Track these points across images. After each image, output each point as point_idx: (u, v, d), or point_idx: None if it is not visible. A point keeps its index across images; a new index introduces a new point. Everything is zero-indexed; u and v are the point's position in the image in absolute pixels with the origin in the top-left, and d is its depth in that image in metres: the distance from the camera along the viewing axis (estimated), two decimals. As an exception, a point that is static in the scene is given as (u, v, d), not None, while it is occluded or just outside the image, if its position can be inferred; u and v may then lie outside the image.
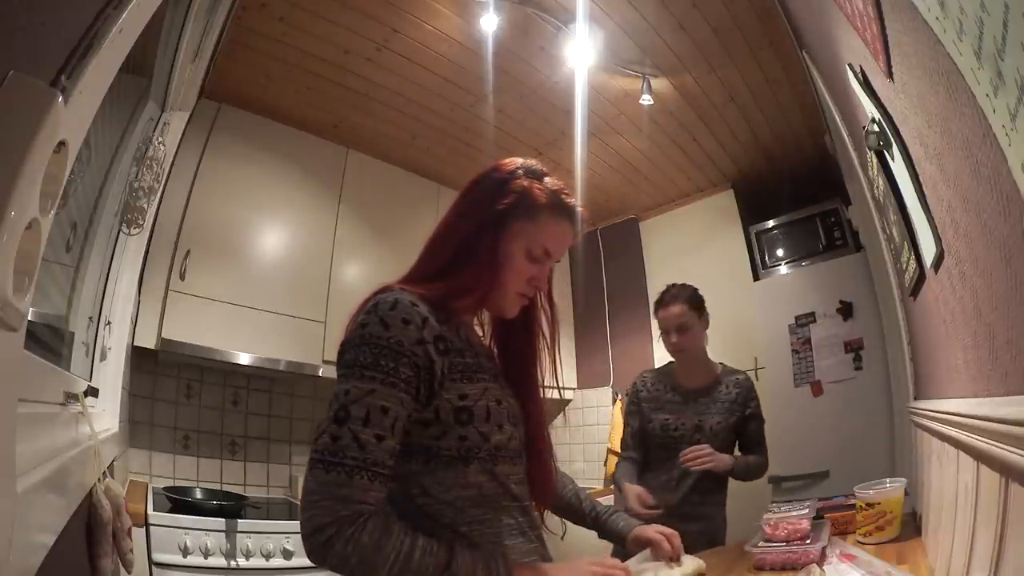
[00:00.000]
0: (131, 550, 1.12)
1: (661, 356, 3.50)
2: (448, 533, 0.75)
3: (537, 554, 0.84)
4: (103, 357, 1.56)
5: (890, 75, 0.86)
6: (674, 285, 1.80)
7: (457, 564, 0.69)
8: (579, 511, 1.14)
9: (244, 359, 2.30)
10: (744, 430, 1.80)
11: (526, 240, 0.84)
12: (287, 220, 2.66)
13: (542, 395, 0.94)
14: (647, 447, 1.83)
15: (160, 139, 1.66)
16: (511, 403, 0.84)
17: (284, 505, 2.44)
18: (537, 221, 0.84)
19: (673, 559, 1.02)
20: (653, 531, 1.05)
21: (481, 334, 0.94)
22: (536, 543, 0.85)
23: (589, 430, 3.69)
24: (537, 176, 0.87)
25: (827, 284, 2.75)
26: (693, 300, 1.78)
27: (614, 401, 3.58)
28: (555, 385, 0.94)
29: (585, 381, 3.80)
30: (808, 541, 1.35)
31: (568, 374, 3.83)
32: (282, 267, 2.55)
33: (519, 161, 0.89)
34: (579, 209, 0.89)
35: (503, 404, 0.81)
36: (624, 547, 1.12)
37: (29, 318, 0.54)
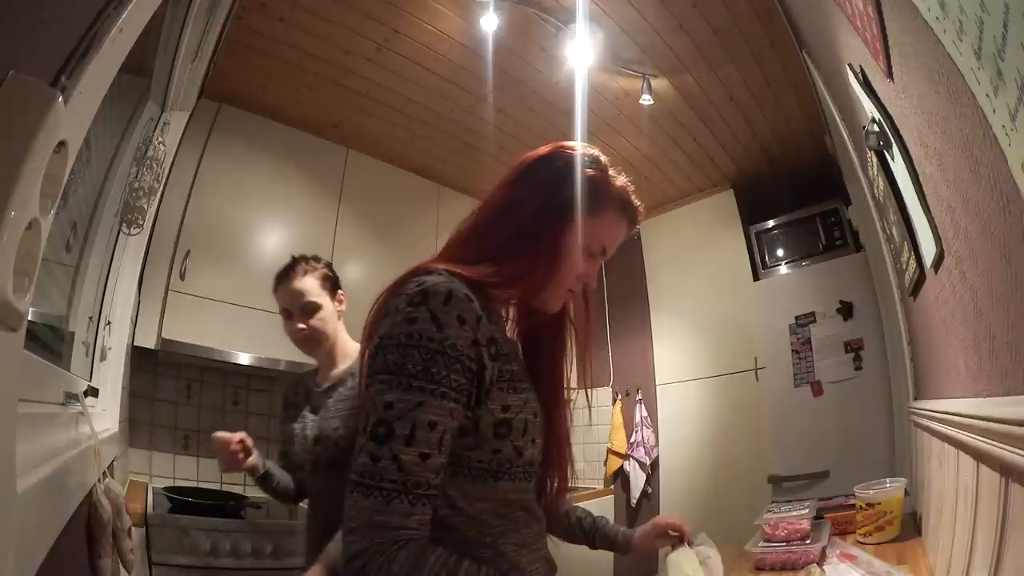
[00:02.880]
0: (131, 550, 1.12)
1: (661, 356, 3.52)
2: (472, 546, 0.69)
3: (546, 562, 0.80)
4: (103, 357, 1.56)
5: (890, 75, 0.86)
6: (302, 257, 1.44)
7: None
8: (570, 526, 1.08)
9: (244, 359, 2.30)
10: None
11: (587, 234, 0.77)
12: (287, 220, 2.66)
13: (568, 399, 0.88)
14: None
15: (160, 139, 1.66)
16: (542, 413, 0.77)
17: (284, 505, 2.44)
18: (602, 217, 0.79)
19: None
20: (671, 518, 1.09)
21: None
22: (544, 550, 0.81)
23: (589, 430, 3.69)
24: (603, 168, 0.81)
25: (827, 284, 2.76)
26: (326, 276, 1.44)
27: (614, 401, 3.59)
28: (585, 388, 0.88)
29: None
30: (808, 541, 1.35)
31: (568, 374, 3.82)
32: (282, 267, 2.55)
33: (582, 147, 0.82)
34: (642, 209, 0.85)
35: (538, 416, 0.74)
36: (628, 551, 1.10)
37: (29, 318, 0.54)
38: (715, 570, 1.08)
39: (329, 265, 1.48)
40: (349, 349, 1.41)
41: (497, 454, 0.69)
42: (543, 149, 0.82)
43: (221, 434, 1.29)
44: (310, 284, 1.38)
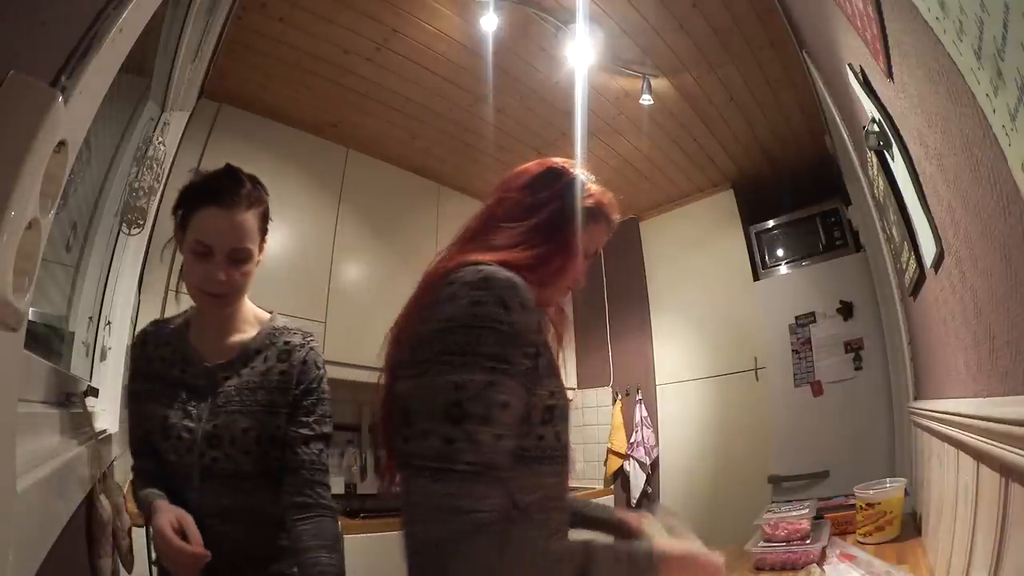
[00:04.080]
0: (131, 550, 1.12)
1: (661, 356, 3.53)
2: None
3: None
4: (103, 357, 1.56)
5: (890, 75, 0.86)
6: (249, 176, 1.02)
7: (598, 568, 0.61)
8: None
9: (244, 359, 2.29)
10: (288, 438, 0.99)
11: (588, 239, 0.85)
12: (287, 220, 2.66)
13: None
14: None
15: (160, 139, 1.66)
16: None
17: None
18: (599, 225, 0.88)
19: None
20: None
21: None
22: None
23: (589, 430, 3.69)
24: (595, 183, 0.91)
25: (827, 284, 2.76)
26: (266, 215, 1.04)
27: (614, 401, 3.59)
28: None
29: (585, 381, 3.80)
30: (808, 541, 1.35)
31: (568, 374, 3.83)
32: (282, 267, 2.55)
33: (577, 167, 0.91)
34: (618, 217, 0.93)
35: (567, 402, 0.76)
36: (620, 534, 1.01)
37: (29, 318, 0.54)
38: (682, 533, 1.00)
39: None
40: (250, 316, 1.07)
41: (541, 440, 0.69)
42: (546, 162, 0.90)
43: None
44: (251, 223, 0.98)
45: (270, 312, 1.10)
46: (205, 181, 1.00)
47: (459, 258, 0.74)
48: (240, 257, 0.98)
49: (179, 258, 1.06)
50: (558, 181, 0.86)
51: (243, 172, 1.02)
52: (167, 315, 2.14)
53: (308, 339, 1.07)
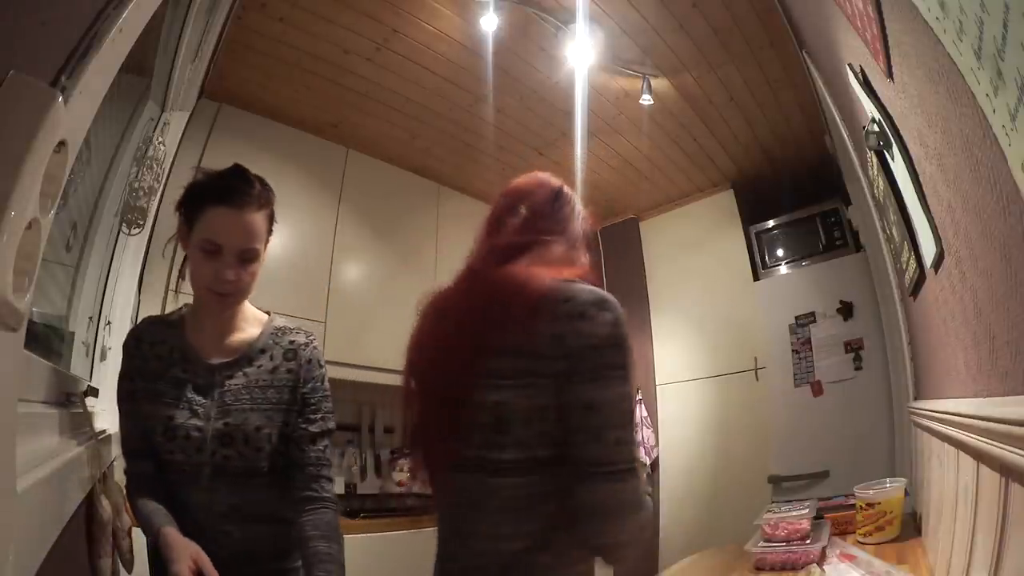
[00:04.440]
0: (131, 550, 1.12)
1: (661, 356, 3.53)
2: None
3: None
4: (103, 357, 1.56)
5: (890, 75, 0.86)
6: (256, 176, 1.05)
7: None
8: None
9: (244, 359, 2.29)
10: (295, 435, 1.01)
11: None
12: (287, 220, 2.64)
13: None
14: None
15: (160, 139, 1.66)
16: None
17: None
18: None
19: None
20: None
21: None
22: None
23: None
24: None
25: (827, 284, 2.76)
26: (273, 216, 1.07)
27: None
28: None
29: (585, 381, 3.79)
30: (808, 541, 1.35)
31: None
32: (282, 267, 2.55)
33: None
34: None
35: None
36: None
37: (29, 318, 0.54)
38: None
39: None
40: (249, 315, 1.07)
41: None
42: (549, 177, 0.94)
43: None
44: (260, 224, 0.99)
45: (267, 312, 1.10)
46: (214, 180, 1.00)
47: (535, 272, 0.78)
48: (248, 257, 0.98)
49: (180, 255, 1.09)
50: (571, 198, 0.93)
51: (251, 173, 1.03)
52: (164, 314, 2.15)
53: (310, 338, 1.08)
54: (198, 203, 0.97)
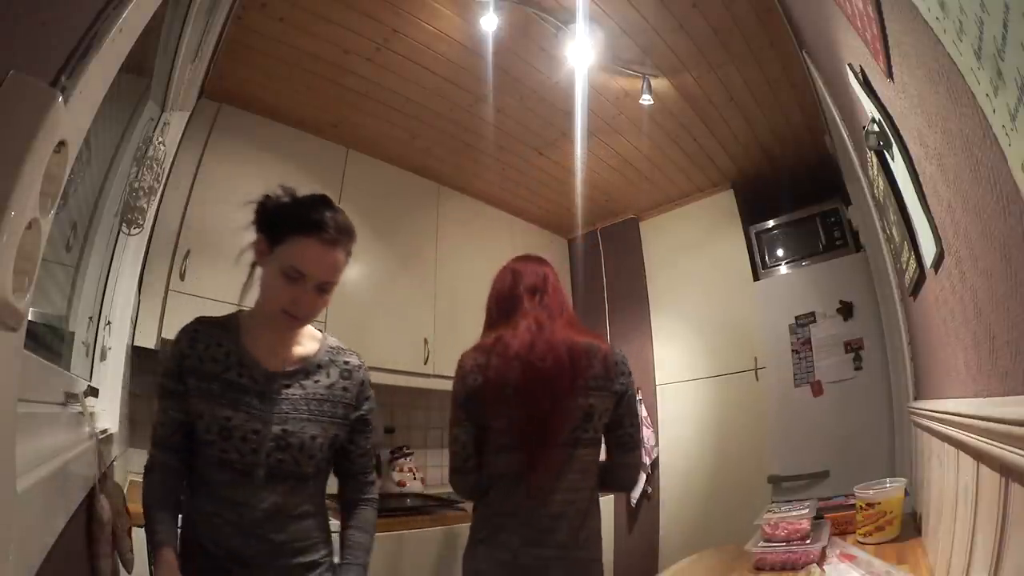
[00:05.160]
0: (131, 550, 1.12)
1: (661, 356, 3.53)
2: None
3: None
4: (103, 357, 1.56)
5: (890, 75, 0.86)
6: (336, 210, 1.10)
7: None
8: None
9: (244, 359, 2.29)
10: (350, 448, 1.16)
11: None
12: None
13: None
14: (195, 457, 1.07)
15: (160, 139, 1.66)
16: None
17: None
18: None
19: None
20: None
21: None
22: None
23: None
24: None
25: (827, 284, 2.76)
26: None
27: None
28: None
29: (585, 381, 3.79)
30: (808, 541, 1.35)
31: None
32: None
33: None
34: None
35: None
36: None
37: (29, 318, 0.54)
38: None
39: None
40: (306, 331, 1.15)
41: None
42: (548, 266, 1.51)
43: None
44: (343, 261, 1.08)
45: (320, 330, 1.19)
46: (307, 210, 1.05)
47: (595, 335, 1.43)
48: (327, 288, 1.07)
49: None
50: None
51: (343, 216, 1.09)
52: (165, 314, 2.15)
53: (362, 360, 1.21)
54: (288, 229, 1.04)
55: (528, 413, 1.29)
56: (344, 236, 1.07)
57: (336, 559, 1.13)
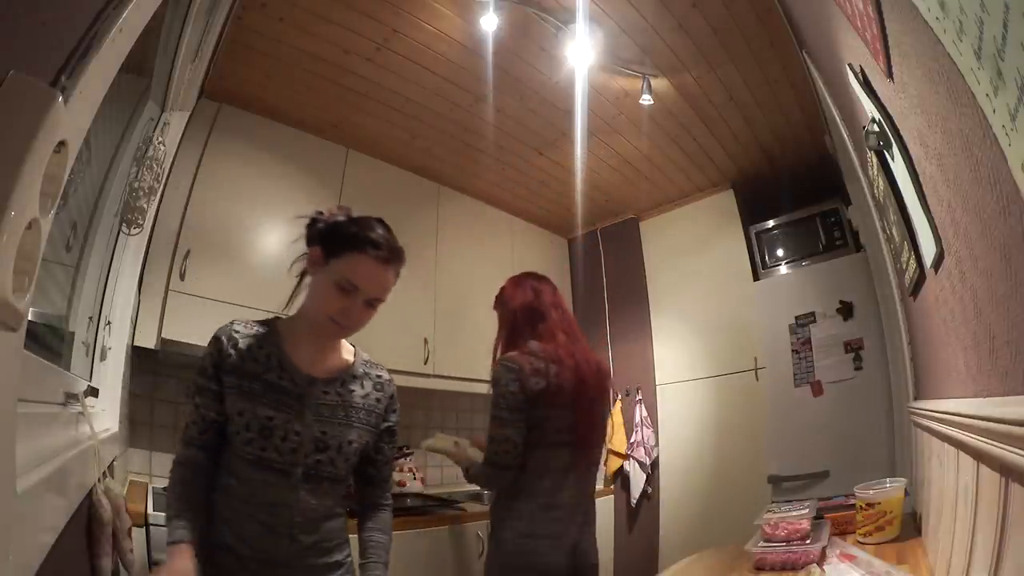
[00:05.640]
0: (131, 550, 1.12)
1: (661, 356, 3.52)
2: None
3: None
4: (103, 357, 1.56)
5: (890, 75, 0.86)
6: (390, 232, 1.18)
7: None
8: None
9: (244, 359, 2.29)
10: (376, 456, 1.23)
11: None
12: (287, 220, 2.65)
13: None
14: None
15: (160, 139, 1.66)
16: None
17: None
18: None
19: None
20: None
21: None
22: None
23: (589, 430, 3.68)
24: None
25: (827, 284, 2.76)
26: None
27: (614, 401, 3.58)
28: None
29: (585, 381, 3.79)
30: (808, 541, 1.35)
31: (568, 374, 3.82)
32: (282, 267, 2.54)
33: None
34: None
35: None
36: None
37: (29, 318, 0.54)
38: (465, 445, 1.77)
39: None
40: (344, 345, 1.23)
41: None
42: None
43: None
44: (394, 280, 1.16)
45: (353, 345, 1.26)
46: (365, 229, 1.12)
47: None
48: (375, 304, 1.12)
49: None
50: None
51: (394, 238, 1.17)
52: (165, 314, 2.15)
53: (390, 375, 1.28)
54: (346, 244, 1.10)
55: (582, 416, 1.56)
56: (396, 257, 1.13)
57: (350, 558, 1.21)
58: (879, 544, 1.39)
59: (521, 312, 1.65)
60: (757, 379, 3.01)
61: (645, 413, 3.39)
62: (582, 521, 1.57)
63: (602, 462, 1.67)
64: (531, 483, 1.51)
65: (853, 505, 1.54)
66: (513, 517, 1.52)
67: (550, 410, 1.52)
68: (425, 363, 2.94)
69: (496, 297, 1.79)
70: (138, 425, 2.26)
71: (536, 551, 1.47)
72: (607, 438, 1.67)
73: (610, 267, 3.83)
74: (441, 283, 3.13)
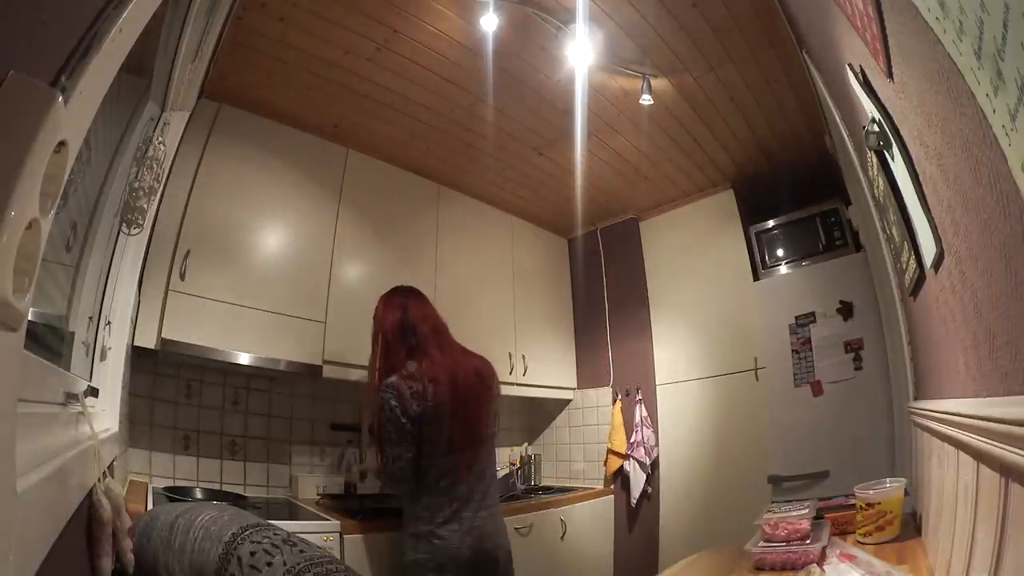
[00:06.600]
0: (132, 550, 1.12)
1: (661, 356, 3.52)
2: None
3: None
4: (103, 357, 1.56)
5: (890, 75, 0.86)
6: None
7: None
8: None
9: (244, 359, 2.29)
10: None
11: None
12: (287, 220, 2.66)
13: None
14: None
15: (160, 139, 1.66)
16: None
17: (284, 505, 2.44)
18: None
19: None
20: None
21: None
22: None
23: (589, 430, 3.69)
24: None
25: (827, 284, 2.76)
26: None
27: (614, 401, 3.59)
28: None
29: (585, 381, 3.80)
30: (808, 541, 1.35)
31: (568, 374, 3.83)
32: (282, 267, 2.55)
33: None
34: None
35: None
36: None
37: (29, 318, 0.54)
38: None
39: None
40: None
41: None
42: None
43: None
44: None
45: None
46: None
47: (477, 353, 1.92)
48: None
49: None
50: None
51: None
52: (165, 314, 2.15)
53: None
54: None
55: (466, 423, 1.77)
56: None
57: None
58: (879, 544, 1.39)
59: (392, 332, 1.85)
60: (757, 379, 3.01)
61: (645, 413, 3.39)
62: (483, 506, 1.78)
63: (495, 442, 1.95)
64: (430, 485, 1.74)
65: (853, 505, 1.53)
66: (419, 519, 1.75)
67: (434, 425, 1.73)
68: (425, 363, 2.94)
69: (373, 317, 2.00)
70: (138, 425, 2.26)
71: (444, 542, 1.70)
72: (495, 419, 1.87)
73: (610, 267, 3.83)
74: (441, 283, 3.13)
